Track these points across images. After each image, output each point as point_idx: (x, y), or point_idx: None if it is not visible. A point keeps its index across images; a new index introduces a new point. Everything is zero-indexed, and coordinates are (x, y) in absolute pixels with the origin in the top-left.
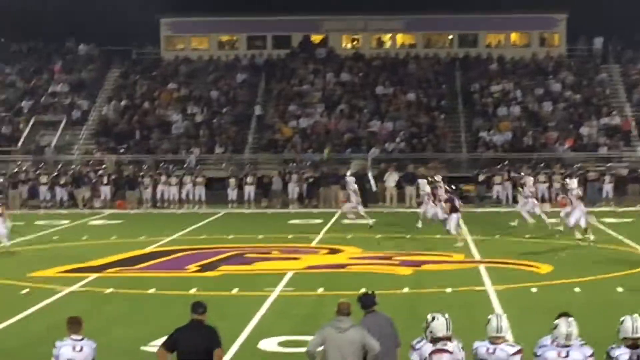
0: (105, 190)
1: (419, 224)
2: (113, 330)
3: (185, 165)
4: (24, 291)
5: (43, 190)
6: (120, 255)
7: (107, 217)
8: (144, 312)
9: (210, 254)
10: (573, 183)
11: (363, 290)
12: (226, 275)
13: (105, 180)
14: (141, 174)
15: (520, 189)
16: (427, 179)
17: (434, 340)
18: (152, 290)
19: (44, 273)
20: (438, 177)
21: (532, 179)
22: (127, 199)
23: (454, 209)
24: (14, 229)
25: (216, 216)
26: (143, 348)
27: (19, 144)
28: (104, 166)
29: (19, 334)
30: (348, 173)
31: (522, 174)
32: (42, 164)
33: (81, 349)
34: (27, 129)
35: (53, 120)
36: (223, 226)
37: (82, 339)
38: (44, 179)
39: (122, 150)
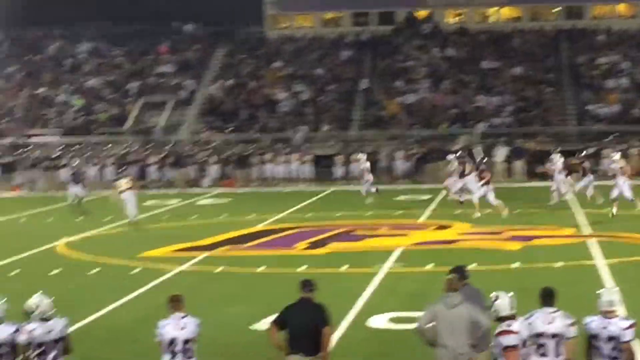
0: (213, 170)
1: (555, 200)
2: (223, 308)
3: (291, 143)
4: (134, 271)
5: (152, 170)
6: (230, 234)
7: (216, 196)
8: (254, 290)
9: (318, 231)
10: None
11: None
12: (335, 252)
13: (213, 159)
14: (249, 152)
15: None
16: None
17: (499, 319)
18: (261, 269)
19: (154, 253)
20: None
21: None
22: (235, 178)
23: None
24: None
25: (323, 194)
26: (252, 326)
27: (128, 125)
28: (211, 145)
29: (130, 313)
30: (454, 148)
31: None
32: (150, 144)
33: (185, 327)
34: (135, 110)
35: (160, 101)
36: (330, 203)
37: (185, 317)
38: (152, 159)
39: (229, 130)
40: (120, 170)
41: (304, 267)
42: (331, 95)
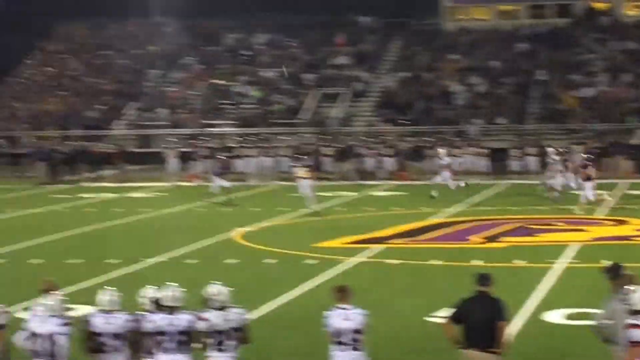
0: (388, 162)
1: None
2: (397, 301)
3: (466, 136)
4: (310, 261)
5: (327, 161)
6: (404, 226)
7: (390, 188)
8: (428, 283)
9: (493, 225)
10: None
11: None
12: (509, 246)
13: (387, 151)
14: (423, 145)
15: None
16: None
17: (632, 312)
18: (435, 262)
19: (329, 244)
20: None
21: None
22: (409, 170)
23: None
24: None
25: (499, 187)
26: (427, 319)
27: (303, 116)
28: (386, 137)
29: (306, 303)
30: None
31: None
32: (326, 136)
33: (350, 318)
34: (311, 102)
35: (336, 93)
36: (506, 197)
37: (350, 308)
38: (327, 150)
39: (403, 122)
40: (298, 159)
41: (477, 261)
42: (507, 87)
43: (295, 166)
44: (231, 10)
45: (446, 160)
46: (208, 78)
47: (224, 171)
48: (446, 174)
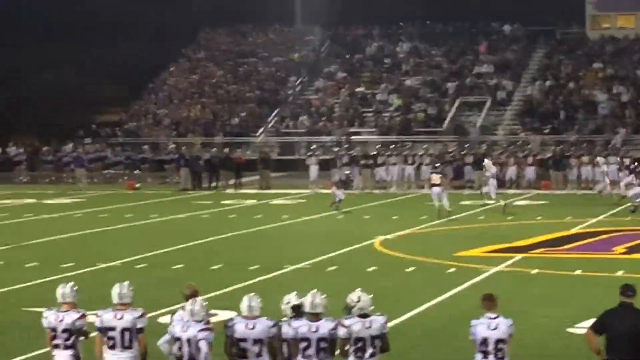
0: (530, 171)
1: None
2: (538, 310)
3: (610, 146)
4: (450, 270)
5: (468, 170)
6: (546, 235)
7: (532, 197)
8: (570, 293)
9: (637, 235)
10: None
11: None
12: None
13: (529, 160)
14: (567, 154)
15: None
16: None
17: None
18: (577, 272)
19: (470, 253)
20: None
21: None
22: (552, 180)
23: None
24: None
25: None
26: (569, 329)
27: (445, 124)
28: (528, 146)
29: (446, 312)
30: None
31: None
32: (467, 144)
33: (496, 327)
34: (453, 110)
35: (478, 101)
36: None
37: (497, 317)
38: (469, 159)
39: (546, 131)
40: (434, 166)
41: (621, 272)
42: None
43: (432, 172)
44: (374, 19)
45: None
46: (350, 86)
47: (346, 182)
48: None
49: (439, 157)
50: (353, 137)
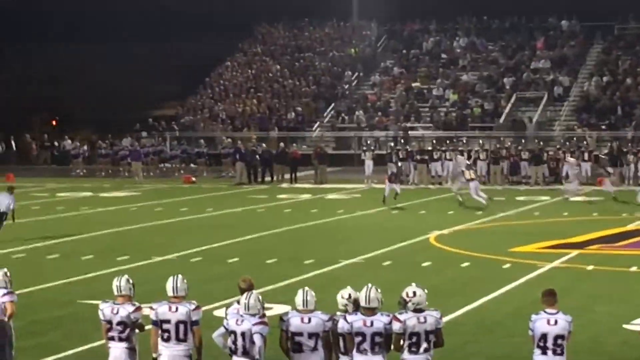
0: (586, 167)
1: None
2: (595, 307)
3: None
4: (505, 265)
5: (524, 166)
6: (602, 232)
7: (588, 193)
8: (625, 290)
9: None
10: None
11: None
12: None
13: (586, 156)
14: (624, 150)
15: None
16: None
17: None
18: (633, 268)
19: (525, 248)
20: None
21: None
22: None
23: None
24: (495, 204)
25: None
26: (625, 326)
27: (501, 119)
28: (585, 142)
29: (501, 307)
30: None
31: None
32: (523, 140)
33: (556, 323)
34: (509, 105)
35: (534, 97)
36: None
37: (556, 312)
38: (525, 155)
39: (603, 127)
40: (468, 164)
41: None
42: None
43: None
44: (431, 14)
45: None
46: (406, 81)
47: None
48: None
49: (493, 152)
50: (409, 132)
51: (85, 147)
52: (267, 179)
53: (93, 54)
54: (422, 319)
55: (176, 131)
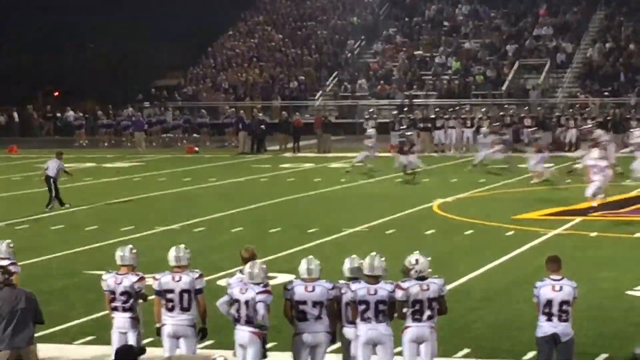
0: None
1: None
2: (598, 273)
3: None
4: (508, 233)
5: (526, 132)
6: (604, 199)
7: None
8: (630, 256)
9: None
10: None
11: None
12: None
13: (589, 122)
14: (627, 116)
15: None
16: None
17: None
18: (637, 234)
19: (528, 216)
20: None
21: None
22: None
23: None
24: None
25: None
26: (629, 292)
27: (504, 87)
28: (587, 109)
29: (506, 274)
30: None
31: None
32: (526, 107)
33: (561, 289)
34: (512, 73)
35: (537, 64)
36: None
37: (561, 279)
38: (528, 121)
39: (606, 93)
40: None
41: None
42: None
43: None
44: None
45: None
46: (409, 49)
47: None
48: None
49: (498, 119)
50: (412, 101)
51: (88, 117)
52: (271, 147)
53: (95, 24)
54: (425, 287)
55: (179, 101)
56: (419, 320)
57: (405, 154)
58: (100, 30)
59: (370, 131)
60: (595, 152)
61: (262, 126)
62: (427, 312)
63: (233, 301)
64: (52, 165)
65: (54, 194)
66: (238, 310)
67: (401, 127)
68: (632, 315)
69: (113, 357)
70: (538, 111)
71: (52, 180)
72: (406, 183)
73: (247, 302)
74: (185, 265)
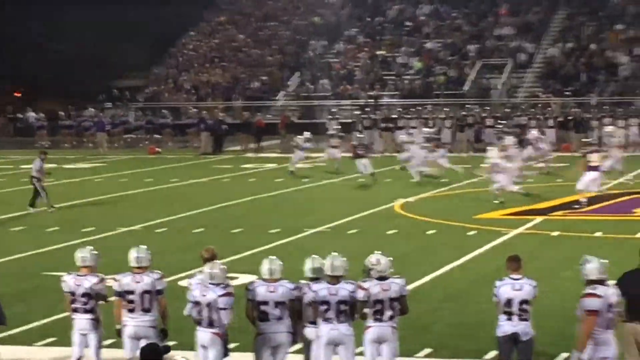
0: (551, 133)
1: None
2: (559, 272)
3: (632, 108)
4: (470, 232)
5: (489, 133)
6: (566, 198)
7: (553, 160)
8: (591, 255)
9: None
10: None
11: None
12: None
13: (550, 122)
14: (587, 116)
15: None
16: None
17: (588, 282)
18: (598, 234)
19: (490, 215)
20: None
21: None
22: (572, 142)
23: None
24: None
25: None
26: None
27: (465, 87)
28: (549, 109)
29: (467, 274)
30: None
31: None
32: (488, 107)
33: (521, 288)
34: (474, 73)
35: (499, 64)
36: None
37: (521, 278)
38: (489, 121)
39: (567, 93)
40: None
41: None
42: None
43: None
44: None
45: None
46: (371, 49)
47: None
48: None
49: (459, 120)
50: (374, 101)
51: (49, 118)
52: (233, 148)
53: (57, 25)
54: (385, 287)
55: (141, 102)
56: (380, 320)
57: (359, 158)
58: (62, 30)
59: (334, 131)
60: (495, 152)
61: (224, 126)
62: (388, 312)
63: (194, 304)
64: (34, 165)
65: (38, 193)
66: (200, 313)
67: (356, 130)
68: None
69: (139, 356)
70: (502, 111)
71: (33, 179)
72: (367, 184)
73: (209, 305)
74: (146, 266)
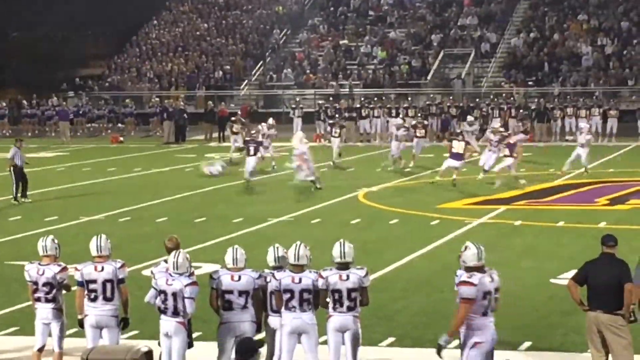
0: (513, 123)
1: None
2: (522, 262)
3: (594, 97)
4: (433, 222)
5: (454, 122)
6: (529, 187)
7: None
8: (553, 244)
9: (619, 187)
10: None
11: None
12: (636, 208)
13: (513, 112)
14: (551, 106)
15: None
16: None
17: (466, 269)
18: (560, 223)
19: (453, 205)
20: None
21: None
22: (534, 132)
23: None
24: (426, 161)
25: (626, 149)
26: (552, 280)
27: (429, 77)
28: (512, 98)
29: (430, 263)
30: None
31: None
32: (451, 96)
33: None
34: (437, 62)
35: (462, 53)
36: (634, 159)
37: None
38: (453, 111)
39: (530, 83)
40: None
41: (603, 223)
42: (637, 49)
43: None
44: None
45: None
46: (334, 39)
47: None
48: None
49: (423, 109)
50: (336, 90)
51: (11, 107)
52: (196, 137)
53: (19, 13)
54: (344, 277)
55: (103, 91)
56: (340, 310)
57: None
58: (24, 19)
59: (297, 120)
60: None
61: (185, 115)
62: (347, 303)
63: (159, 292)
64: (10, 153)
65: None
66: (164, 302)
67: (326, 117)
68: (556, 304)
69: (234, 350)
70: (465, 101)
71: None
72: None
73: (174, 294)
74: (107, 255)
